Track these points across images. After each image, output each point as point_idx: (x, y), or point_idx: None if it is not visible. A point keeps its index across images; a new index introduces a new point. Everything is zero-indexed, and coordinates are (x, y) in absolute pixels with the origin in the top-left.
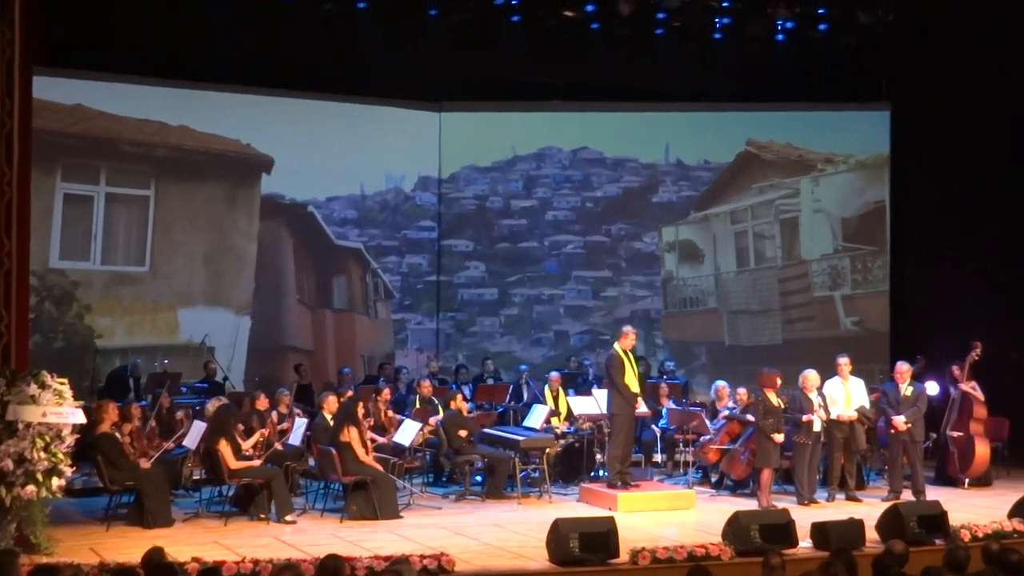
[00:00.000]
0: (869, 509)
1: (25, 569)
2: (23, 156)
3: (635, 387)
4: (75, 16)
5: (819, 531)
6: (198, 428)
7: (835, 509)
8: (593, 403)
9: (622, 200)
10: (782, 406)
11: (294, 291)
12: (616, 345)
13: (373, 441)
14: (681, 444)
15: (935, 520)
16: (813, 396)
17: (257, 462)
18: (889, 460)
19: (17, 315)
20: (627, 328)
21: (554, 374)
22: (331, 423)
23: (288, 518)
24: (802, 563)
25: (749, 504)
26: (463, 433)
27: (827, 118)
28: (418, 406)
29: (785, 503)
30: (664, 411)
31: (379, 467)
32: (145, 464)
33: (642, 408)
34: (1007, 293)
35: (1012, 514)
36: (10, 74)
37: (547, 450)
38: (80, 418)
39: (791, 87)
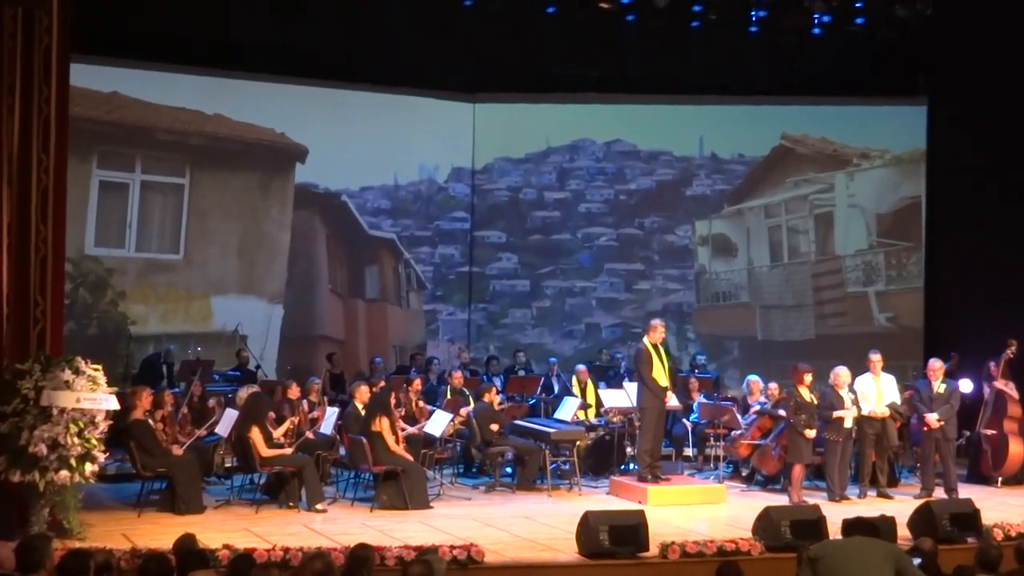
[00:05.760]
0: (901, 506)
1: (58, 553)
2: (60, 143)
3: (663, 381)
4: (112, 4)
5: (850, 528)
6: (230, 416)
7: (866, 506)
8: (624, 396)
9: (655, 193)
10: (814, 402)
11: (327, 280)
12: (644, 339)
13: (404, 431)
14: (712, 438)
15: (967, 518)
16: (844, 393)
17: (288, 450)
18: (921, 457)
19: (52, 301)
20: (655, 321)
21: (580, 366)
22: (362, 412)
23: (319, 507)
24: None
25: (780, 500)
26: (495, 427)
27: (863, 112)
28: (449, 397)
29: (816, 499)
30: (695, 405)
31: (410, 457)
32: (177, 451)
33: (672, 402)
34: None
35: None
36: (47, 61)
37: (577, 442)
38: (113, 404)
39: (827, 81)
